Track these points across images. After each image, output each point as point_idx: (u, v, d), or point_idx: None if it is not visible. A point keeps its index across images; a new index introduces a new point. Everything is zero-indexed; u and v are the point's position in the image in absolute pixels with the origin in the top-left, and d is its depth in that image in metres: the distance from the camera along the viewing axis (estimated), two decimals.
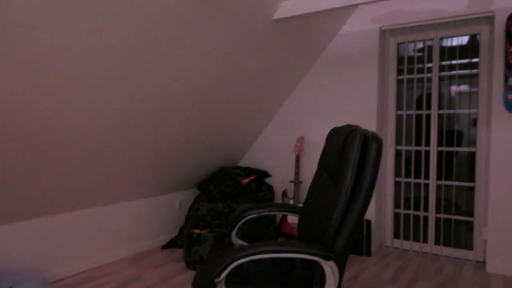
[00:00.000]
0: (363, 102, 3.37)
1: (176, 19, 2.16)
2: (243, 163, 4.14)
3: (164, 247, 3.46)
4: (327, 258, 1.30)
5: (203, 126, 3.13)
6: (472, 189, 3.20)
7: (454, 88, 3.35)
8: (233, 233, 1.90)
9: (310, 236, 1.57)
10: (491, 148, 2.89)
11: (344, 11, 3.30)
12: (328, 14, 3.17)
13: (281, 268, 1.68)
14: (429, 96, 3.33)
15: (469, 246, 3.20)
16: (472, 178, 3.20)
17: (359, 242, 3.28)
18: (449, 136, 3.34)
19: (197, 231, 3.10)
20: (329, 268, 1.32)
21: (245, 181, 3.67)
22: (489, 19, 2.98)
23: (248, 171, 3.78)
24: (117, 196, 3.04)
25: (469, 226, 3.25)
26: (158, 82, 2.43)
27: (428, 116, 3.32)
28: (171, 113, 2.73)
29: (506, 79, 2.81)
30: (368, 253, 3.27)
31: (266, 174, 3.88)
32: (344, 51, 3.46)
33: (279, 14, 2.75)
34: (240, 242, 1.92)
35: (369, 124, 3.34)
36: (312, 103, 3.65)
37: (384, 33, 3.39)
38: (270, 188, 3.82)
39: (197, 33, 2.35)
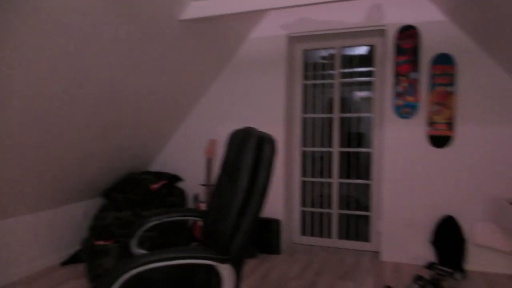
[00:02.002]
0: (272, 106, 3.48)
1: (74, 12, 1.99)
2: (154, 167, 3.99)
3: (65, 263, 3.17)
4: (222, 261, 1.30)
5: (107, 129, 2.94)
6: (368, 186, 3.49)
7: (358, 94, 3.63)
8: (132, 242, 1.80)
9: (210, 240, 1.55)
10: (384, 149, 3.18)
11: (254, 17, 3.37)
12: (237, 18, 3.21)
13: (183, 274, 1.64)
14: (333, 100, 3.56)
15: (367, 238, 3.48)
16: (369, 176, 3.49)
17: (269, 241, 3.37)
18: (354, 138, 3.61)
19: (101, 242, 2.90)
20: (225, 271, 1.32)
21: (155, 186, 3.54)
22: (382, 32, 3.28)
23: (159, 175, 3.65)
24: (6, 210, 2.70)
25: (367, 220, 3.53)
26: (56, 80, 2.22)
27: (333, 119, 3.55)
28: (70, 115, 2.51)
29: (395, 86, 3.11)
30: (278, 251, 3.37)
31: (177, 178, 3.79)
32: (254, 56, 3.54)
33: (186, 14, 2.70)
34: (140, 251, 1.84)
35: (277, 127, 3.45)
36: (224, 106, 3.67)
37: (291, 40, 3.53)
38: (181, 193, 3.74)
39: (101, 30, 2.20)
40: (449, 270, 2.41)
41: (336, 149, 3.53)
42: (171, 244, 3.41)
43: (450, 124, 2.97)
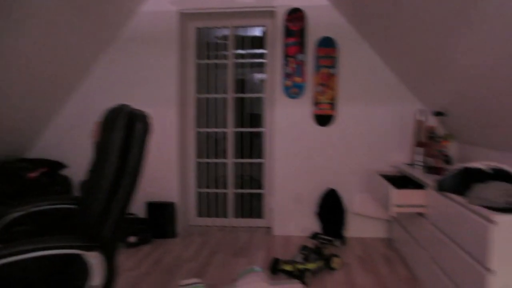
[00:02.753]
0: (164, 85, 3.33)
1: None
2: (33, 154, 3.56)
3: None
4: (89, 249, 1.20)
5: None
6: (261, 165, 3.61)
7: (257, 75, 3.67)
8: None
9: (80, 227, 1.43)
10: (275, 128, 3.30)
11: None
12: None
13: (52, 266, 1.48)
14: (233, 81, 3.55)
15: (261, 215, 3.61)
16: (261, 155, 3.59)
17: (164, 225, 3.28)
18: (251, 118, 3.66)
19: None
20: (94, 259, 1.22)
21: (33, 175, 3.16)
22: (272, 14, 3.34)
23: (37, 163, 3.27)
24: None
25: (261, 197, 3.66)
26: None
27: (228, 100, 3.55)
28: None
29: (284, 67, 3.22)
30: (174, 235, 3.30)
31: (60, 165, 3.44)
32: (144, 32, 3.33)
33: None
34: None
35: (170, 107, 3.33)
36: (112, 86, 3.40)
37: (183, 17, 3.40)
38: (66, 180, 3.41)
39: None
40: (330, 238, 2.62)
41: (231, 130, 3.55)
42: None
43: (332, 104, 3.19)
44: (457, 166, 1.95)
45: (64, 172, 3.53)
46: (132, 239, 3.10)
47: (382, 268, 2.64)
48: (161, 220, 3.30)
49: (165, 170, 3.37)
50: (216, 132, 3.66)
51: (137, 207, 3.34)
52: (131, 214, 3.31)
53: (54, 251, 1.15)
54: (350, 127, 3.21)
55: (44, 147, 3.55)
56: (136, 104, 3.31)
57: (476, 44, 1.82)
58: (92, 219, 1.25)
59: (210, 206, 3.70)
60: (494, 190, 1.58)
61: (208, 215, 3.68)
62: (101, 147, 1.47)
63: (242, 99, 3.63)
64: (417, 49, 2.46)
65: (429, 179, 2.28)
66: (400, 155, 3.17)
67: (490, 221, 1.52)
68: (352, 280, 2.45)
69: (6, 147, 3.22)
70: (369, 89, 3.18)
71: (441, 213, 2.04)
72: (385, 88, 3.16)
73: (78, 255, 1.42)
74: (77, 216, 1.63)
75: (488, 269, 1.53)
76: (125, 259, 2.82)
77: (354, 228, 3.27)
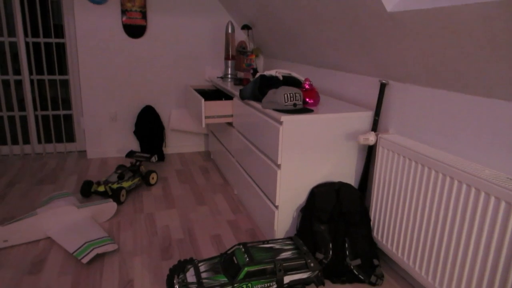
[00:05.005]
0: None
1: None
2: None
3: None
4: None
5: None
6: (67, 82, 3.17)
7: None
8: None
9: None
10: (77, 39, 2.87)
11: None
12: None
13: None
14: None
15: (72, 138, 3.27)
16: (65, 71, 3.14)
17: None
18: (46, 27, 3.05)
19: None
20: None
21: None
22: None
23: None
24: None
25: (70, 118, 3.28)
26: None
27: (13, 4, 2.85)
28: None
29: None
30: None
31: None
32: None
33: None
34: None
35: None
36: None
37: None
38: None
39: None
40: (146, 155, 2.58)
41: (21, 39, 2.93)
42: None
43: (143, 13, 2.93)
44: (256, 75, 2.09)
45: None
46: None
47: (199, 178, 2.78)
48: None
49: None
50: (5, 42, 2.96)
51: None
52: None
53: None
54: (164, 40, 3.05)
55: None
56: None
57: None
58: None
59: (4, 131, 3.12)
60: (281, 94, 1.75)
61: (5, 143, 3.11)
62: None
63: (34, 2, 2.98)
64: None
65: (237, 91, 2.41)
66: (214, 69, 3.24)
67: (279, 122, 1.71)
68: (169, 193, 2.51)
69: None
70: None
71: (244, 121, 2.21)
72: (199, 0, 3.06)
73: None
74: None
75: (277, 165, 1.76)
76: None
77: (173, 144, 3.30)
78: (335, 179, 1.83)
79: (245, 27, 2.87)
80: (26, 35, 2.94)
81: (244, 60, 2.78)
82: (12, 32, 2.92)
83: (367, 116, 1.80)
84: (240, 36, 3.21)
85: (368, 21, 1.53)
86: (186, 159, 3.18)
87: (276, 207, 1.80)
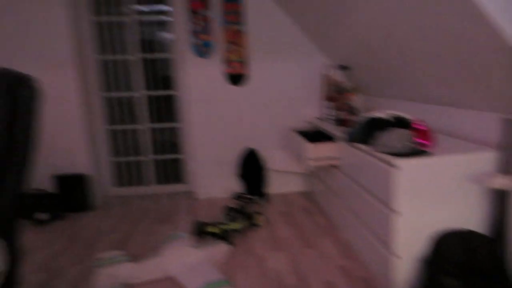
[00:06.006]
0: (53, 46, 2.95)
1: None
2: None
3: None
4: None
5: None
6: (178, 129, 3.49)
7: (162, 34, 3.42)
8: None
9: None
10: (189, 90, 3.18)
11: None
12: None
13: None
14: (139, 40, 3.28)
15: (182, 180, 3.55)
16: (177, 119, 3.47)
17: (79, 198, 3.06)
18: (162, 80, 3.45)
19: None
20: None
21: None
22: None
23: None
24: None
25: (182, 162, 3.58)
26: None
27: (136, 62, 3.30)
28: None
29: (190, 24, 3.06)
30: (90, 208, 3.11)
31: None
32: None
33: None
34: None
35: (65, 70, 2.99)
36: None
37: None
38: None
39: None
40: (252, 197, 2.68)
41: (143, 93, 3.34)
42: None
43: (243, 62, 3.15)
44: (362, 117, 2.08)
45: None
46: (42, 216, 2.85)
47: (303, 220, 2.79)
48: (74, 193, 3.06)
49: (71, 140, 3.10)
50: (130, 97, 3.41)
51: (45, 182, 3.06)
52: (40, 190, 3.02)
53: None
54: (262, 85, 3.22)
55: None
56: (21, 67, 2.94)
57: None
58: None
59: (130, 174, 3.53)
60: (394, 137, 1.71)
61: (129, 184, 3.51)
62: None
63: (152, 60, 3.40)
64: (319, 1, 2.49)
65: (338, 131, 2.41)
66: (312, 110, 3.29)
67: (392, 165, 1.66)
68: (275, 235, 2.56)
69: None
70: (277, 46, 3.18)
71: (351, 163, 2.19)
72: (292, 44, 3.18)
73: None
74: None
75: (393, 210, 1.69)
76: (36, 237, 2.60)
77: (275, 185, 3.39)
78: (460, 226, 1.69)
79: (343, 68, 2.90)
80: (145, 89, 3.35)
81: (342, 99, 2.79)
82: (131, 87, 3.35)
83: (491, 156, 1.65)
84: (338, 76, 3.24)
85: (486, 55, 1.44)
86: (288, 200, 3.22)
87: (393, 255, 1.72)
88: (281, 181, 3.39)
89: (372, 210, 1.91)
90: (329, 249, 2.31)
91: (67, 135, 3.09)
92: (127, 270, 1.99)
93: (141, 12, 3.27)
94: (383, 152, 1.76)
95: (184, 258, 2.09)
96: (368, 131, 1.99)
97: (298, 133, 2.75)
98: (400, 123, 1.99)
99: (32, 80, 1.17)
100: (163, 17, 3.32)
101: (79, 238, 2.59)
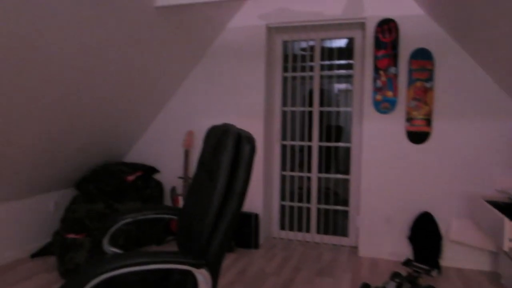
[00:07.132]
0: (251, 98, 3.40)
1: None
2: (129, 158, 3.86)
3: (35, 255, 3.04)
4: (198, 266, 1.24)
5: (79, 117, 2.80)
6: (347, 181, 3.49)
7: (337, 86, 3.59)
8: (104, 240, 1.71)
9: (185, 241, 1.48)
10: (363, 144, 3.17)
11: (232, 5, 3.27)
12: (215, 7, 3.09)
13: (158, 275, 1.57)
14: (313, 93, 3.52)
15: (345, 233, 3.49)
16: (348, 171, 3.48)
17: (247, 235, 3.33)
18: (333, 131, 3.58)
19: (71, 235, 2.79)
20: (201, 276, 1.26)
21: (131, 178, 3.42)
22: (362, 25, 3.24)
23: (134, 167, 3.54)
24: None
25: (346, 214, 3.54)
26: (24, 71, 2.07)
27: (312, 113, 3.51)
28: (41, 102, 2.36)
29: (374, 81, 3.09)
30: (256, 246, 3.33)
31: (154, 170, 3.68)
32: (233, 46, 3.44)
33: (161, 1, 2.58)
34: (113, 250, 1.75)
35: (257, 120, 3.39)
36: (202, 97, 3.57)
37: (271, 31, 3.45)
38: (158, 185, 3.64)
39: (71, 19, 2.05)
40: (426, 267, 2.42)
41: (315, 143, 3.50)
42: (146, 239, 3.32)
43: (428, 120, 2.98)
44: None
45: (156, 176, 3.77)
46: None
47: None
48: (245, 230, 3.35)
49: (251, 182, 3.43)
50: (301, 146, 3.62)
51: None
52: None
53: (169, 266, 1.20)
54: (447, 145, 2.97)
55: (138, 153, 3.83)
56: (224, 116, 3.46)
57: None
58: (200, 237, 1.29)
59: (293, 219, 3.67)
60: None
61: (291, 229, 3.65)
62: (207, 165, 1.52)
63: (323, 111, 3.55)
64: None
65: None
66: (508, 178, 2.84)
67: None
68: None
69: (110, 152, 3.54)
70: (469, 103, 2.91)
71: None
72: (488, 102, 2.86)
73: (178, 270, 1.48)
74: (179, 226, 1.70)
75: None
76: None
77: (451, 257, 2.99)
78: None
79: None
80: (320, 139, 3.49)
81: None
82: (305, 137, 3.54)
83: None
84: None
85: None
86: (466, 277, 2.80)
87: None
88: (460, 254, 2.97)
89: None
90: None
91: None
92: None
93: (324, 66, 3.49)
94: None
95: None
96: None
97: (491, 205, 2.40)
98: None
99: (252, 138, 1.35)
100: (344, 71, 3.47)
101: (245, 274, 2.78)
